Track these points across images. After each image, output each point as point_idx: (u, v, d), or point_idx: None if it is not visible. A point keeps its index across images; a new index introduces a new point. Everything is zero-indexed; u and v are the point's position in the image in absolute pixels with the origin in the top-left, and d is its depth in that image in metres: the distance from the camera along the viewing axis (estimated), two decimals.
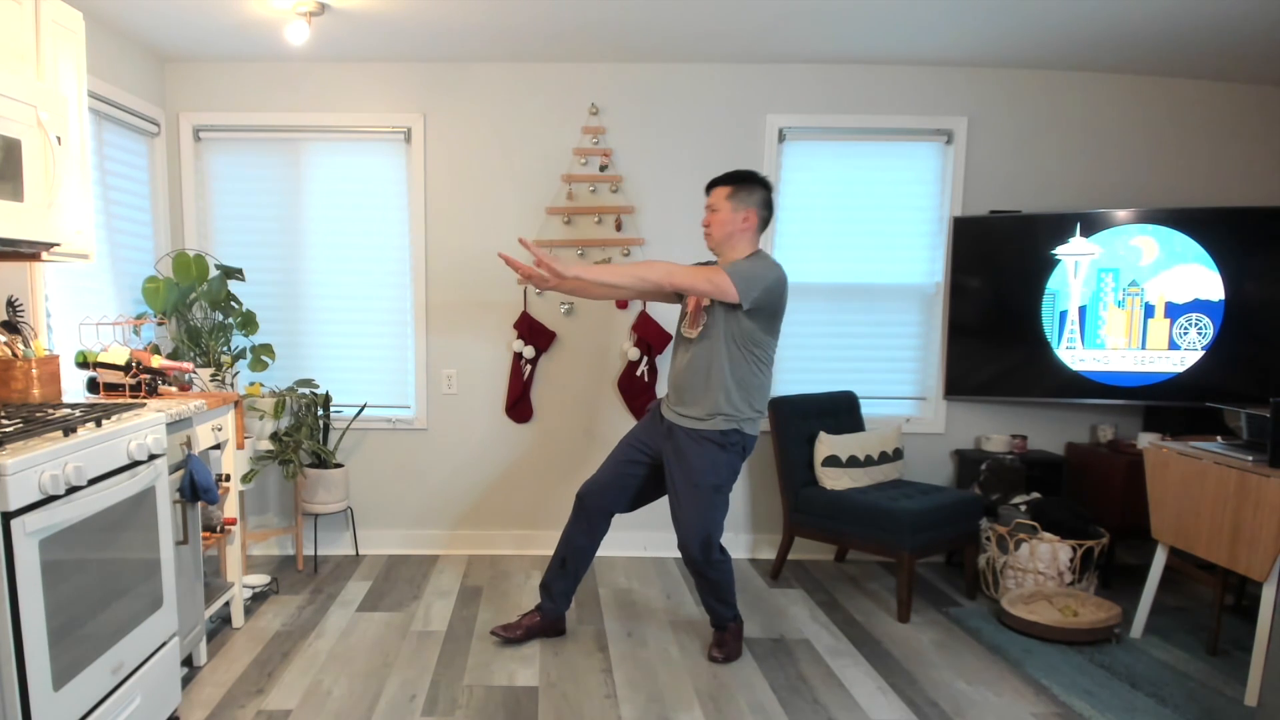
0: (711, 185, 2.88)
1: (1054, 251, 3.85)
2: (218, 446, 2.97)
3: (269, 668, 2.84)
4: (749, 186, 2.84)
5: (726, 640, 2.98)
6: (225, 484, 3.02)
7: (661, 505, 4.01)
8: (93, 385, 2.79)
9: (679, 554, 4.00)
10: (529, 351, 3.95)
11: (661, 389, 4.04)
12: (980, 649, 3.08)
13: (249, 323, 3.73)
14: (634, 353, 3.97)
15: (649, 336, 3.94)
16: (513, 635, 3.06)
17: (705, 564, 2.88)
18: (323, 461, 3.84)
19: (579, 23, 3.35)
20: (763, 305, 2.75)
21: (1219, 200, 4.03)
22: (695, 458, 2.83)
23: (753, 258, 2.82)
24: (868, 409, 4.07)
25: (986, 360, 3.99)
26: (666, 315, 3.99)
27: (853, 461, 3.64)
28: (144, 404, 2.51)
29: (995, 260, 3.93)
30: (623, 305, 4.00)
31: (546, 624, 3.10)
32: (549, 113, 3.93)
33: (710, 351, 2.80)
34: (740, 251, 2.85)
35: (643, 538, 4.13)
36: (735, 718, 2.56)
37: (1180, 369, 3.78)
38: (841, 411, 3.89)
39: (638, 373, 3.98)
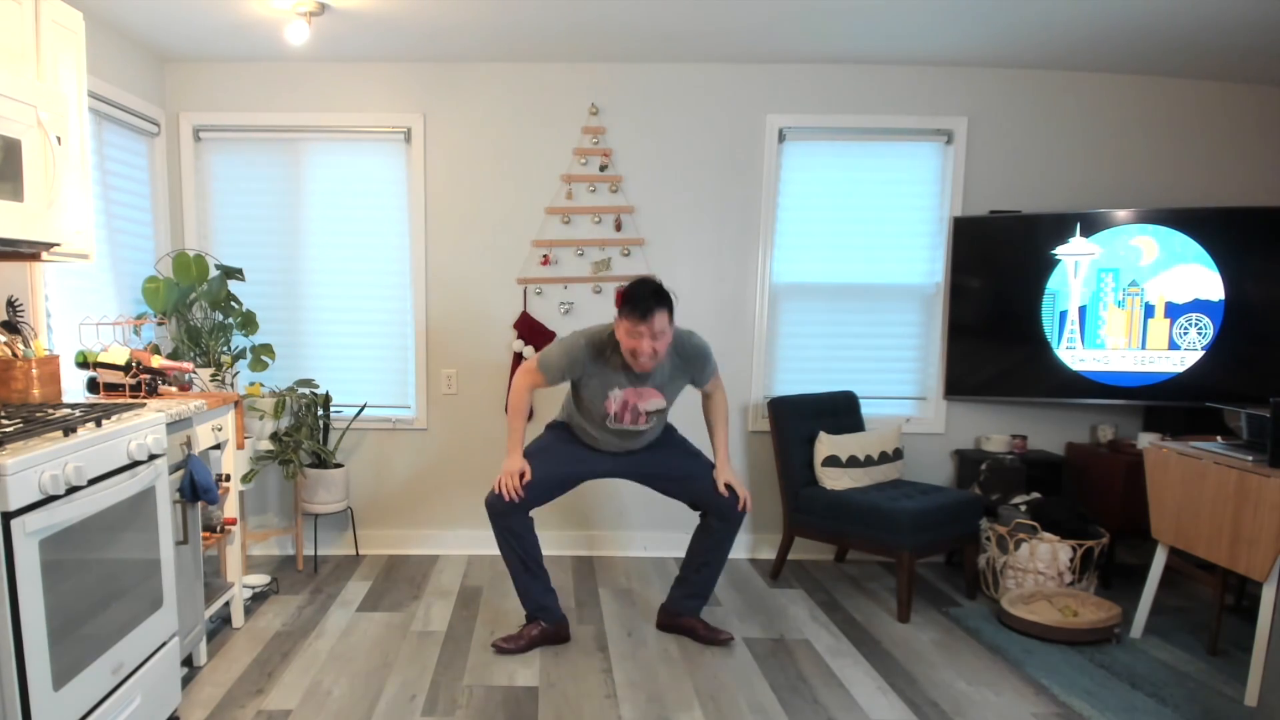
0: (655, 309, 2.71)
1: (1054, 251, 3.85)
2: (218, 446, 2.97)
3: (269, 668, 2.84)
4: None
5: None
6: (225, 484, 3.02)
7: (660, 507, 4.04)
8: (93, 385, 2.79)
9: (679, 554, 4.04)
10: (529, 351, 3.95)
11: None
12: (980, 649, 3.08)
13: (249, 323, 3.73)
14: None
15: None
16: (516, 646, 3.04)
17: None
18: (323, 461, 3.84)
19: (579, 23, 3.35)
20: None
21: (1219, 200, 4.03)
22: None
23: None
24: (868, 409, 4.07)
25: (986, 360, 3.99)
26: None
27: (853, 461, 3.64)
28: (144, 404, 2.51)
29: (995, 260, 3.93)
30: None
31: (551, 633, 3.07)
32: (549, 112, 3.93)
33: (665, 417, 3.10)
34: None
35: (642, 538, 4.13)
36: (735, 718, 2.56)
37: (1180, 369, 3.78)
38: (841, 411, 3.89)
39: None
